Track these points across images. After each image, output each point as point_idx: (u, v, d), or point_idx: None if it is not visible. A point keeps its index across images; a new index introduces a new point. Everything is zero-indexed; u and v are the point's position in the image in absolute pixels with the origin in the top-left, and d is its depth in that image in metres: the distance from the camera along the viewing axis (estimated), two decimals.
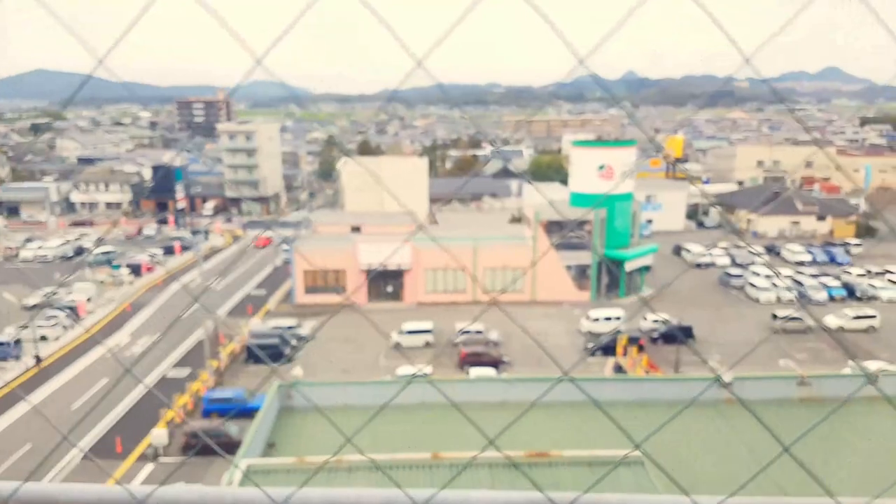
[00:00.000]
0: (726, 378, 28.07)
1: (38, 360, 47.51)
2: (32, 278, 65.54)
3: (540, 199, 68.61)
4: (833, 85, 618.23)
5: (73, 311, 56.45)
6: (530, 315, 57.24)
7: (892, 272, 65.93)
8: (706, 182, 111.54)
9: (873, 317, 53.93)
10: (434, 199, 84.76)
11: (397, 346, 49.77)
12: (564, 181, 72.64)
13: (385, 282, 60.72)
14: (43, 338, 51.61)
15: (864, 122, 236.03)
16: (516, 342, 50.58)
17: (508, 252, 61.11)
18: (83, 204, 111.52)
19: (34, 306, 57.22)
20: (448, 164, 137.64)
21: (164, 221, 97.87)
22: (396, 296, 60.69)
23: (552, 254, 60.74)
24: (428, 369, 43.16)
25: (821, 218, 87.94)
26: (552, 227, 61.27)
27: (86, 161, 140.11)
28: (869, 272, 67.07)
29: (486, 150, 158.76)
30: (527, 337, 51.59)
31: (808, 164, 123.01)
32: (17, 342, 49.50)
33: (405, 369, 41.86)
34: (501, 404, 27.15)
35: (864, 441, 24.68)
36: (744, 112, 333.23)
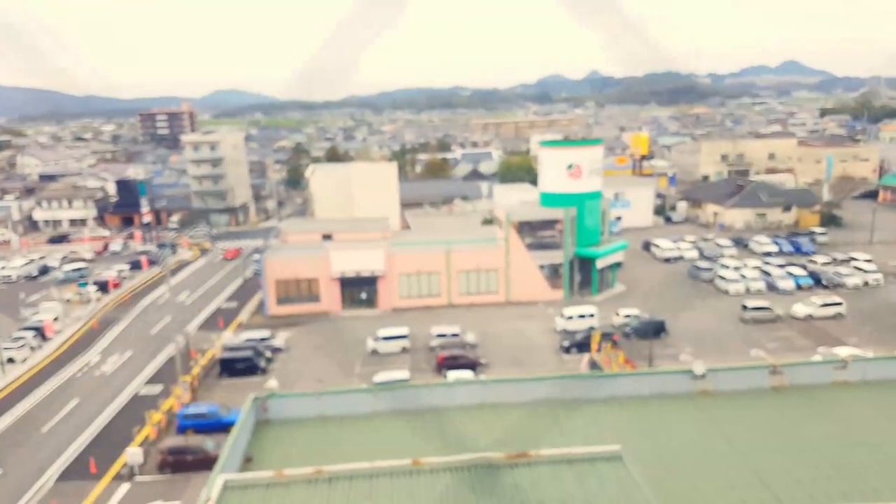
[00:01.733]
0: (699, 370, 28.34)
1: None
2: None
3: (511, 200, 68.93)
4: (793, 78, 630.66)
5: (40, 332, 55.25)
6: (505, 316, 57.45)
7: (856, 259, 67.26)
8: (672, 178, 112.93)
9: (840, 304, 55.01)
10: (405, 204, 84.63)
11: (374, 352, 49.55)
12: (534, 181, 73.07)
13: (359, 288, 60.46)
14: (10, 360, 50.47)
15: (824, 113, 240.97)
16: (492, 344, 50.73)
17: (481, 254, 61.28)
18: (46, 222, 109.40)
19: None
20: (418, 168, 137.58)
21: (130, 236, 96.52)
22: (371, 302, 60.46)
23: (525, 254, 61.01)
24: (405, 374, 43.01)
25: (786, 209, 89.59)
26: (524, 227, 61.55)
27: (48, 178, 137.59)
28: (834, 260, 68.44)
29: (456, 152, 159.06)
30: (503, 338, 51.83)
31: (772, 157, 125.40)
32: None
33: (382, 375, 41.66)
34: (480, 406, 27.17)
35: (837, 426, 25.12)
36: (707, 107, 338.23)
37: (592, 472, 18.45)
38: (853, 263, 66.34)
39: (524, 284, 61.07)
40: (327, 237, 63.89)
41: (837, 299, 55.71)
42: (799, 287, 61.50)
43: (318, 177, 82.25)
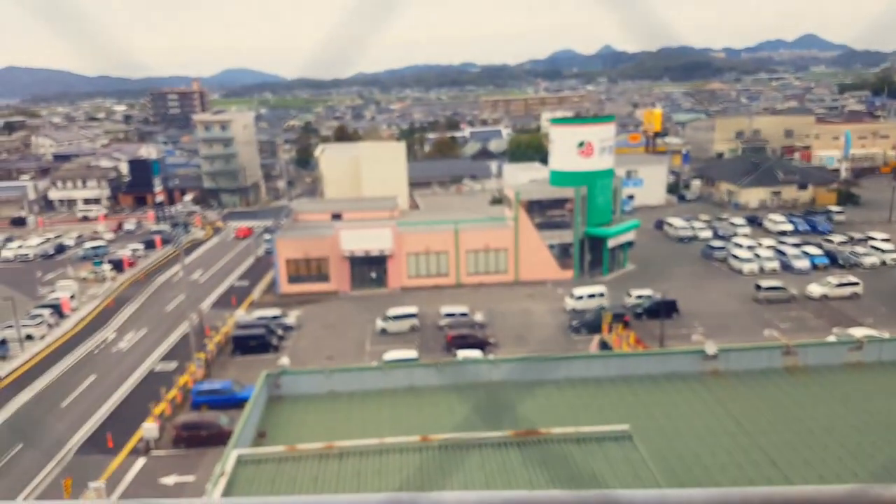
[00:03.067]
0: (711, 350, 28.30)
1: None
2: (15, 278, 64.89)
3: (520, 179, 68.64)
4: (810, 52, 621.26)
5: (57, 309, 56.00)
6: (514, 296, 57.51)
7: (874, 238, 66.40)
8: (686, 156, 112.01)
9: (857, 283, 54.51)
10: (414, 183, 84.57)
11: (383, 331, 49.83)
12: (544, 160, 72.67)
13: (369, 268, 60.66)
14: (29, 336, 51.23)
15: (843, 88, 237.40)
16: (501, 323, 50.87)
17: (490, 234, 61.22)
18: (61, 201, 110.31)
19: None
20: (427, 147, 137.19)
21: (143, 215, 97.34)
22: (380, 281, 60.67)
23: (535, 234, 60.87)
24: (414, 353, 43.27)
25: (802, 187, 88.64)
26: (533, 206, 61.35)
27: (62, 158, 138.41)
28: (851, 239, 67.63)
29: (465, 131, 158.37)
30: (512, 318, 51.95)
31: (789, 134, 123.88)
32: (3, 342, 49.12)
33: (392, 354, 41.94)
34: (488, 384, 27.34)
35: (849, 407, 25.04)
36: (722, 83, 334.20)
37: (601, 450, 18.60)
38: (870, 243, 65.49)
39: (533, 264, 61.00)
40: (337, 217, 64.06)
41: (854, 279, 55.11)
42: (814, 267, 60.71)
43: (328, 156, 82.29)
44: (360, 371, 28.96)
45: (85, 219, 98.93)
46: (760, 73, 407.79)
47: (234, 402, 37.81)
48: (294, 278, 60.28)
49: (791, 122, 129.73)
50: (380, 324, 50.17)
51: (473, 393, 26.91)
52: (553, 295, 56.99)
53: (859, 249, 63.68)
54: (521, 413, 25.35)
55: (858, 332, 40.78)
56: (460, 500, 1.73)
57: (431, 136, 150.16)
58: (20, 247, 78.99)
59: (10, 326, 50.37)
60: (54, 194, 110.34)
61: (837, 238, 68.08)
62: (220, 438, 32.91)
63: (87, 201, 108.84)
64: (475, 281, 61.04)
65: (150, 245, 78.66)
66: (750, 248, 64.65)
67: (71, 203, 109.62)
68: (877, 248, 63.69)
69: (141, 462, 34.54)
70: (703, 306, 52.59)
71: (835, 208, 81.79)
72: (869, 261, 61.60)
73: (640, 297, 52.83)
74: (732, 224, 75.77)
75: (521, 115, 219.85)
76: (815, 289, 54.30)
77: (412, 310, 51.50)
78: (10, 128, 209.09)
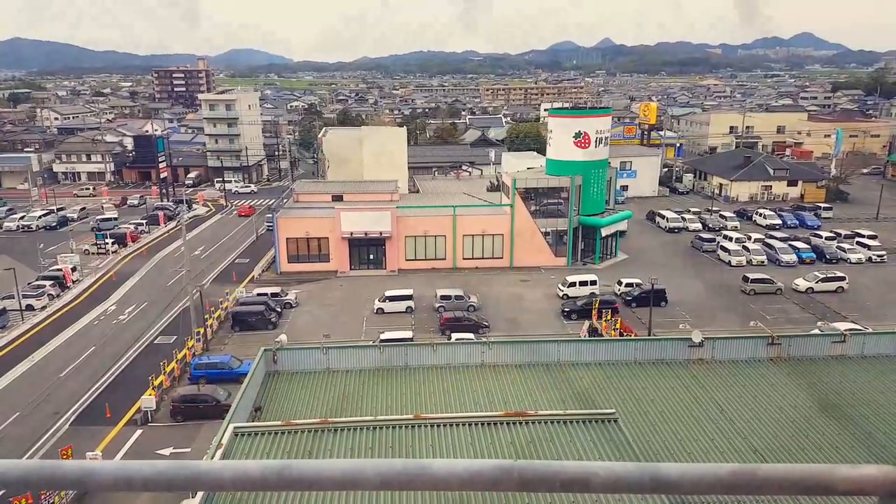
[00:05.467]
0: (697, 339, 29.16)
1: None
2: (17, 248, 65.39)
3: (518, 167, 69.37)
4: (806, 51, 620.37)
5: (59, 281, 56.71)
6: (509, 281, 58.47)
7: (861, 235, 67.43)
8: (679, 149, 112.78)
9: (843, 279, 55.56)
10: (414, 167, 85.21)
11: (379, 311, 50.74)
12: (542, 149, 73.30)
13: (367, 249, 61.51)
14: (29, 307, 51.94)
15: (836, 87, 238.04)
16: (495, 307, 51.82)
17: (487, 220, 62.08)
18: (65, 174, 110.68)
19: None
20: (428, 133, 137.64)
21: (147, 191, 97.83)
22: (378, 263, 61.54)
23: (530, 221, 61.76)
24: (409, 334, 44.21)
25: (791, 183, 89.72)
26: (529, 194, 62.21)
27: (67, 131, 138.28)
28: (839, 235, 68.69)
29: (465, 119, 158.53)
30: (505, 302, 52.92)
31: (781, 130, 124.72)
32: (3, 312, 49.79)
33: (388, 334, 42.86)
34: (480, 366, 28.25)
35: (830, 398, 25.96)
36: (717, 79, 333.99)
37: (587, 432, 19.44)
38: (857, 239, 66.69)
39: (528, 250, 61.94)
40: (338, 198, 64.75)
41: (840, 274, 56.25)
42: (801, 261, 61.81)
43: (330, 139, 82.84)
44: (356, 349, 29.70)
45: (89, 193, 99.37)
46: (756, 71, 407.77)
47: (232, 377, 38.63)
48: (294, 257, 61.10)
49: (783, 119, 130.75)
50: (377, 304, 51.09)
51: (466, 373, 27.84)
52: (546, 281, 57.96)
53: (846, 245, 64.78)
54: (512, 394, 26.31)
55: (842, 326, 41.77)
56: (449, 468, 1.77)
57: (432, 122, 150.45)
58: (23, 217, 79.55)
59: (11, 297, 51.06)
60: (58, 167, 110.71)
61: (825, 234, 69.20)
62: (217, 412, 33.60)
63: (90, 175, 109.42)
64: (471, 265, 61.98)
65: (153, 220, 79.24)
66: (738, 240, 65.74)
67: (75, 176, 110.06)
68: (863, 245, 64.80)
69: (138, 433, 34.94)
70: (691, 296, 53.63)
71: (823, 205, 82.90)
72: (855, 257, 62.75)
73: (629, 285, 53.88)
74: (722, 217, 76.87)
75: (521, 104, 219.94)
76: (801, 282, 55.38)
77: (408, 292, 52.45)
78: (15, 100, 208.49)
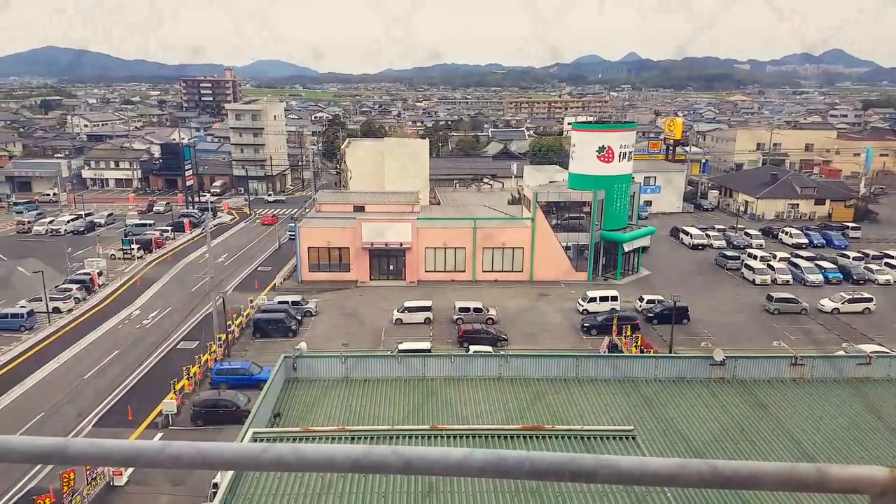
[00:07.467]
0: (719, 357, 28.89)
1: None
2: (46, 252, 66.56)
3: (540, 180, 69.35)
4: (836, 68, 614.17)
5: (85, 285, 57.65)
6: (528, 294, 58.32)
7: (890, 256, 66.11)
8: (705, 165, 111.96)
9: (870, 300, 54.63)
10: (435, 179, 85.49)
11: (398, 322, 50.88)
12: (564, 163, 73.20)
13: (387, 260, 61.78)
14: (56, 310, 52.83)
15: (867, 105, 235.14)
16: (514, 321, 51.70)
17: (507, 232, 62.07)
18: (94, 180, 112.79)
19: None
20: (450, 145, 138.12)
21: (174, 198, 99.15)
22: (398, 273, 61.76)
23: (551, 235, 61.65)
24: (427, 345, 44.25)
25: (819, 201, 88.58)
26: (551, 207, 62.13)
27: (96, 138, 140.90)
28: (866, 256, 67.55)
29: (488, 131, 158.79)
30: (524, 316, 52.78)
31: (809, 148, 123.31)
32: (31, 314, 50.69)
33: (407, 345, 42.95)
34: (498, 379, 28.23)
35: (855, 420, 25.50)
36: (745, 95, 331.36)
37: (605, 448, 19.31)
38: (886, 260, 65.55)
39: (548, 264, 61.77)
40: (359, 208, 65.20)
41: (867, 295, 55.26)
42: (828, 281, 60.75)
43: (353, 149, 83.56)
44: (375, 358, 29.82)
45: (117, 199, 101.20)
46: (784, 87, 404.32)
47: (253, 383, 38.97)
48: (315, 266, 61.56)
49: (812, 137, 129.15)
50: (396, 314, 51.25)
51: (483, 385, 27.83)
52: (566, 295, 57.72)
53: (874, 266, 63.74)
54: (529, 407, 26.24)
55: (868, 348, 40.98)
56: (444, 456, 1.79)
57: (455, 134, 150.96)
58: (51, 221, 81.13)
59: (39, 299, 51.99)
60: (87, 173, 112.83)
61: (852, 254, 68.16)
62: (237, 417, 33.90)
63: (118, 182, 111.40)
64: (490, 278, 61.94)
65: (178, 227, 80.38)
66: (763, 259, 64.95)
67: (103, 182, 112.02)
68: (892, 266, 63.66)
69: (159, 436, 35.15)
70: (714, 314, 53.07)
71: (851, 224, 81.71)
72: (883, 278, 61.70)
73: (651, 301, 53.44)
74: (747, 234, 76.00)
75: (545, 117, 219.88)
76: (827, 303, 54.49)
77: (427, 303, 52.56)
78: (46, 106, 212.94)
